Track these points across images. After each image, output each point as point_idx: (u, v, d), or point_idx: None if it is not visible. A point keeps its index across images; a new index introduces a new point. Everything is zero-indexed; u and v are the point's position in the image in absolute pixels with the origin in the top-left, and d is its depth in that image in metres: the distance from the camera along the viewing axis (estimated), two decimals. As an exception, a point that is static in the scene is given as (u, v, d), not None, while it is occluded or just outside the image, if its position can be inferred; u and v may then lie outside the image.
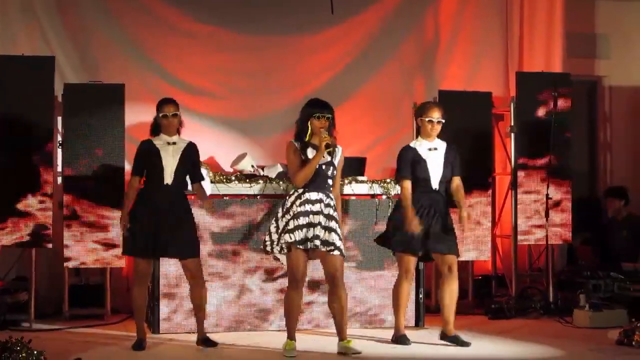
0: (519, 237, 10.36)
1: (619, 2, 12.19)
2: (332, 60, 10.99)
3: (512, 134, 10.46)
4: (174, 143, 8.14)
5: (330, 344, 8.16)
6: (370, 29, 11.12)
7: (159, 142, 8.14)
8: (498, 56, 11.47)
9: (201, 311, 8.25)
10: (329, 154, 7.73)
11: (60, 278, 9.58)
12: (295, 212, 7.70)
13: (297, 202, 7.72)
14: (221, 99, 10.68)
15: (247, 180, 9.09)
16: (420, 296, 9.25)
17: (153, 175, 8.08)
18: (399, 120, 10.91)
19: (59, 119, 9.63)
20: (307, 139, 7.80)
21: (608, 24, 12.18)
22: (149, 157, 8.09)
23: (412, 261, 8.38)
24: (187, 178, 8.23)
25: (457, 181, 8.45)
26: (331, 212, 7.76)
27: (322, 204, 7.73)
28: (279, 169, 9.64)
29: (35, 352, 6.90)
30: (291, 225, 7.67)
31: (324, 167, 7.77)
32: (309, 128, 7.79)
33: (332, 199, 7.81)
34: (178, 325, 8.87)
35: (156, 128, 8.22)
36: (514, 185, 10.42)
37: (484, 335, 8.69)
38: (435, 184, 8.30)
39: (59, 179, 9.64)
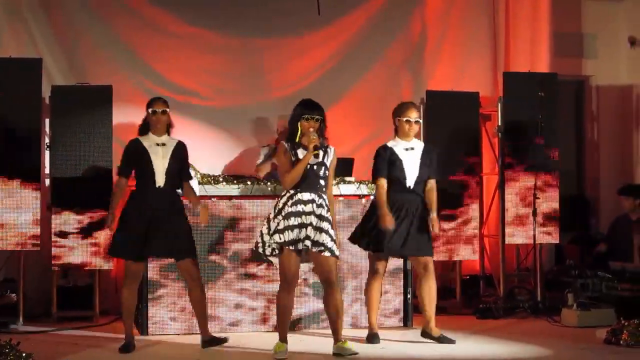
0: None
1: (606, 2, 12.23)
2: (319, 62, 11.02)
3: (499, 134, 10.48)
4: (163, 144, 8.09)
5: (322, 345, 8.20)
6: (357, 30, 11.14)
7: (147, 142, 8.07)
8: (485, 56, 11.49)
9: (202, 312, 8.23)
10: (315, 156, 7.70)
11: (48, 280, 9.58)
12: (287, 212, 7.64)
13: (289, 203, 7.66)
14: (209, 100, 10.69)
15: (235, 182, 9.10)
16: (408, 296, 9.27)
17: (144, 178, 8.02)
18: (387, 121, 10.71)
19: (47, 121, 9.62)
20: (297, 139, 7.78)
21: (595, 24, 12.21)
22: (137, 157, 8.03)
23: (381, 262, 8.46)
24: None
25: (431, 183, 8.45)
26: (323, 212, 7.69)
27: (314, 204, 7.67)
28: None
29: (24, 354, 6.92)
30: (281, 226, 7.62)
31: (315, 167, 7.73)
32: (299, 129, 7.78)
33: (324, 199, 7.75)
34: (166, 326, 8.86)
35: (145, 128, 8.16)
36: (501, 185, 10.44)
37: (471, 335, 8.70)
38: (410, 183, 8.33)
39: (47, 181, 9.63)
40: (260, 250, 7.77)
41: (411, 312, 9.30)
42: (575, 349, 8.18)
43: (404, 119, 8.40)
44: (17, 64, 9.40)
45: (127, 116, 10.15)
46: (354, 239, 8.57)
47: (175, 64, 10.65)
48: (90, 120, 9.45)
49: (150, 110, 8.09)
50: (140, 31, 10.60)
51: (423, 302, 8.40)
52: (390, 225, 8.16)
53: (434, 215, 8.36)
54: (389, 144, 8.47)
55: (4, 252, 9.44)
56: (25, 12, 10.27)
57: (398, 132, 8.48)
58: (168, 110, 8.13)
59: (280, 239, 7.61)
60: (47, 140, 9.60)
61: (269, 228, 7.73)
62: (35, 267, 9.77)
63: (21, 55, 9.75)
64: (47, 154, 9.58)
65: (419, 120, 8.44)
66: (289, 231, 7.61)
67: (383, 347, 8.26)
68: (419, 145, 8.47)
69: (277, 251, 7.68)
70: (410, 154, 8.37)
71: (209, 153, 10.44)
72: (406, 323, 9.26)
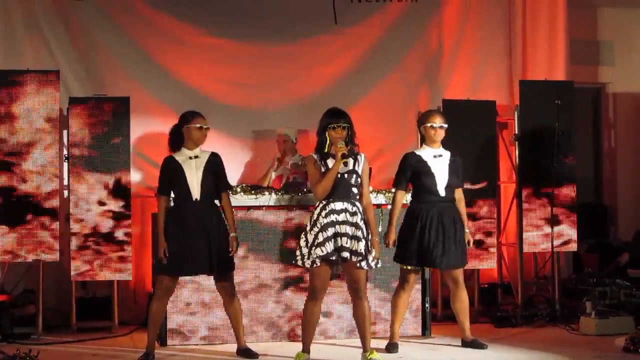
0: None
1: (622, 9, 12.23)
2: (335, 71, 11.01)
3: (517, 142, 10.47)
4: (196, 157, 8.11)
5: (345, 355, 8.24)
6: (373, 39, 11.13)
7: (181, 157, 8.07)
8: (502, 65, 11.47)
9: (238, 322, 8.27)
10: (345, 164, 7.65)
11: (67, 291, 9.59)
12: (323, 224, 7.60)
13: (323, 214, 7.63)
14: (226, 109, 10.69)
15: (253, 192, 9.10)
16: (427, 305, 9.26)
17: (180, 193, 8.05)
18: (404, 130, 10.91)
19: (65, 132, 9.67)
20: (326, 150, 7.76)
21: (611, 31, 12.22)
22: (173, 174, 8.04)
23: (412, 274, 8.50)
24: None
25: (459, 194, 8.57)
26: (357, 220, 7.64)
27: (348, 213, 7.62)
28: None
29: (43, 365, 6.96)
30: (321, 238, 7.57)
31: (346, 175, 7.68)
32: (327, 139, 7.76)
33: (357, 207, 7.68)
34: (185, 338, 8.87)
35: (177, 142, 8.16)
36: (518, 193, 10.43)
37: (490, 344, 8.65)
38: (441, 190, 8.38)
39: (65, 192, 9.67)
40: (300, 262, 7.73)
41: (429, 321, 9.29)
42: (594, 357, 8.16)
43: (429, 125, 8.45)
44: (35, 75, 9.43)
45: (144, 127, 10.20)
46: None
47: (193, 73, 10.67)
48: (108, 131, 9.48)
49: (197, 125, 8.07)
50: (158, 41, 10.62)
51: (456, 312, 8.65)
52: (392, 244, 8.38)
53: (467, 230, 8.53)
54: (417, 151, 8.55)
55: (23, 264, 9.47)
56: (43, 24, 10.31)
57: (425, 140, 8.56)
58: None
59: (322, 252, 7.56)
60: (65, 151, 9.65)
61: (306, 240, 7.68)
62: (54, 278, 9.81)
63: (39, 67, 9.80)
64: (65, 165, 9.63)
65: (443, 125, 8.48)
66: (329, 242, 7.58)
67: (401, 357, 8.26)
68: (446, 153, 8.53)
69: (317, 263, 7.62)
70: (438, 160, 8.44)
71: (226, 163, 10.42)
72: (424, 332, 9.25)
